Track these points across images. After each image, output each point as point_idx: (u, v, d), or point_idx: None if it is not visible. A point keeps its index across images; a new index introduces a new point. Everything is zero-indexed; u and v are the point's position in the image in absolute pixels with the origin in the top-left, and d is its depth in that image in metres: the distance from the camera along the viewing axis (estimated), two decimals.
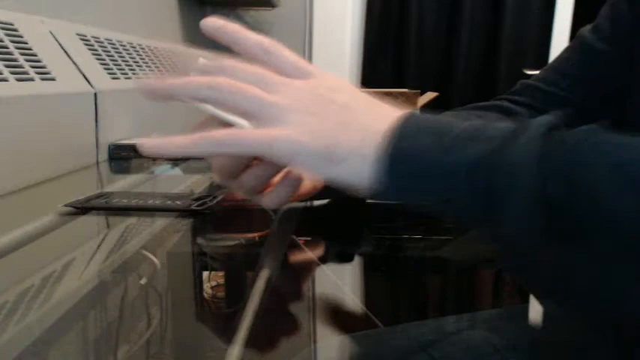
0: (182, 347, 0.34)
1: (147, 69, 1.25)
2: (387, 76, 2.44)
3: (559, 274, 0.40)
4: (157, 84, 0.40)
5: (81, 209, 0.59)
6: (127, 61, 1.15)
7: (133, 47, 1.24)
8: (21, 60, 0.77)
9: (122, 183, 0.83)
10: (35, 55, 0.81)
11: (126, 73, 1.11)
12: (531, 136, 0.31)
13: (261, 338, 0.35)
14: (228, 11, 2.41)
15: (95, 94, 0.92)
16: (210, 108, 0.40)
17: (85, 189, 0.73)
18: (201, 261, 0.51)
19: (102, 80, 0.98)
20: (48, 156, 0.78)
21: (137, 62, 1.21)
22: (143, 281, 0.44)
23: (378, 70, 2.45)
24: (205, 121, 0.41)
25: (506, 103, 0.64)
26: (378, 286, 0.47)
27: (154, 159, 0.96)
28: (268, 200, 0.43)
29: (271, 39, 0.42)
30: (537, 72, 0.66)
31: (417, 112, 0.40)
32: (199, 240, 0.56)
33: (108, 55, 1.07)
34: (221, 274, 0.48)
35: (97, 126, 0.93)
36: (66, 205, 0.59)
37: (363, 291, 0.46)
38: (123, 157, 0.96)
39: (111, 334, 0.35)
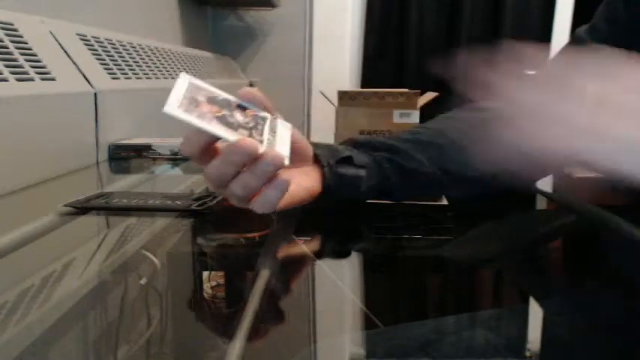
0: (182, 347, 0.34)
1: (147, 69, 1.25)
2: (387, 76, 2.44)
3: None
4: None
5: (81, 209, 0.59)
6: (127, 61, 1.15)
7: (133, 47, 1.24)
8: (21, 60, 0.77)
9: (122, 183, 0.83)
10: (35, 55, 0.81)
11: (126, 73, 1.11)
12: None
13: (261, 338, 0.35)
14: (228, 11, 2.41)
15: (95, 94, 0.92)
16: (197, 122, 0.41)
17: (85, 189, 0.73)
18: (201, 261, 0.51)
19: (102, 80, 0.98)
20: (48, 156, 0.78)
21: (137, 62, 1.21)
22: (143, 281, 0.44)
23: (378, 70, 2.45)
24: (192, 136, 0.42)
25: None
26: (378, 286, 0.47)
27: (154, 159, 0.96)
28: (257, 205, 0.43)
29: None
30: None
31: None
32: (199, 240, 0.56)
33: (108, 55, 1.07)
34: (221, 274, 0.48)
35: (97, 126, 0.93)
36: (66, 205, 0.59)
37: (363, 291, 0.46)
38: (123, 157, 0.96)
39: (111, 334, 0.35)
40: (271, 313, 0.38)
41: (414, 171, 0.58)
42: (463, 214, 0.68)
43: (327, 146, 0.57)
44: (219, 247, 0.55)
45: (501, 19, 2.37)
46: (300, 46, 2.44)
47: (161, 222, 0.58)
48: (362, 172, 0.56)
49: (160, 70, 1.33)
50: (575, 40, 0.64)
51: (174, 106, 0.41)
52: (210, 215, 0.59)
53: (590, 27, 0.63)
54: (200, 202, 0.60)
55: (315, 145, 0.56)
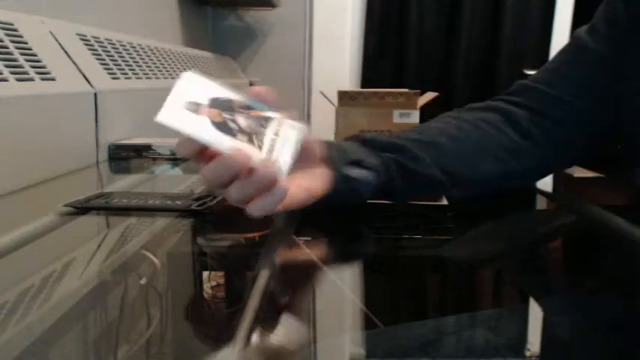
0: (182, 347, 0.34)
1: (147, 69, 1.25)
2: (387, 76, 2.44)
3: None
4: None
5: (81, 209, 0.59)
6: (127, 61, 1.15)
7: (133, 47, 1.24)
8: (21, 60, 0.77)
9: (122, 183, 0.83)
10: (35, 55, 0.81)
11: (126, 73, 1.11)
12: None
13: (261, 338, 0.35)
14: (228, 11, 2.41)
15: (95, 94, 0.92)
16: (189, 131, 0.41)
17: (85, 189, 0.73)
18: (201, 261, 0.51)
19: (102, 80, 0.98)
20: (48, 156, 0.78)
21: (137, 62, 1.21)
22: (143, 281, 0.44)
23: (378, 70, 2.45)
24: (185, 142, 0.42)
25: (502, 104, 0.63)
26: (378, 286, 0.47)
27: (154, 159, 0.96)
28: (253, 209, 0.43)
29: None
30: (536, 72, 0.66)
31: None
32: (199, 240, 0.56)
33: (108, 55, 1.07)
34: (221, 274, 0.48)
35: (97, 126, 0.93)
36: (66, 205, 0.59)
37: (363, 291, 0.46)
38: (123, 157, 0.96)
39: (111, 334, 0.35)
40: (271, 313, 0.38)
41: (416, 172, 0.57)
42: (463, 214, 0.68)
43: (337, 146, 0.55)
44: (219, 247, 0.55)
45: (501, 19, 2.37)
46: (300, 46, 2.44)
47: (161, 222, 0.58)
48: (371, 177, 0.55)
49: (159, 70, 1.33)
50: (575, 40, 0.63)
51: (166, 114, 0.40)
52: (210, 215, 0.59)
53: (590, 27, 0.62)
54: (200, 202, 0.60)
55: (326, 145, 0.54)
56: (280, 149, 0.43)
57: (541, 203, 0.77)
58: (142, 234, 0.55)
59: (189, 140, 0.42)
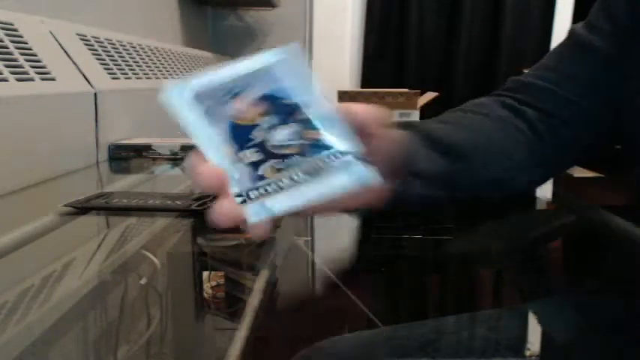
0: (182, 347, 0.34)
1: (147, 69, 1.25)
2: (387, 76, 2.44)
3: None
4: None
5: (81, 209, 0.59)
6: (127, 61, 1.15)
7: (133, 47, 1.24)
8: (21, 60, 0.77)
9: (122, 183, 0.83)
10: (35, 55, 0.81)
11: (126, 73, 1.11)
12: None
13: (261, 338, 0.35)
14: (228, 11, 2.41)
15: (95, 94, 0.92)
16: (186, 123, 0.31)
17: (85, 189, 0.73)
18: (201, 261, 0.51)
19: (102, 80, 0.98)
20: (48, 156, 0.78)
21: (137, 62, 1.21)
22: (143, 281, 0.44)
23: (378, 70, 2.45)
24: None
25: (509, 101, 0.61)
26: (378, 286, 0.47)
27: (154, 159, 0.96)
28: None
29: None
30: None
31: None
32: (199, 240, 0.56)
33: (108, 55, 1.07)
34: (221, 274, 0.48)
35: (97, 126, 0.93)
36: (66, 205, 0.59)
37: (363, 291, 0.46)
38: (123, 157, 0.96)
39: (111, 334, 0.35)
40: (271, 313, 0.38)
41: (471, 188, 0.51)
42: (463, 214, 0.68)
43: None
44: (219, 247, 0.55)
45: (501, 19, 2.37)
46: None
47: (161, 222, 0.58)
48: (431, 192, 0.47)
49: (159, 70, 1.33)
50: (573, 37, 0.63)
51: (175, 91, 0.30)
52: None
53: (588, 24, 0.62)
54: (200, 202, 0.60)
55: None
56: (291, 193, 0.31)
57: (541, 203, 0.77)
58: (142, 234, 0.55)
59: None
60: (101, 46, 1.07)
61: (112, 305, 0.40)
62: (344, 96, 1.04)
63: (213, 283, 0.45)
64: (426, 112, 1.16)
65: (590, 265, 0.53)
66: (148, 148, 0.97)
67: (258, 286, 0.41)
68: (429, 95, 1.38)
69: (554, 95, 0.60)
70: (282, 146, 0.31)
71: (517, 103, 0.61)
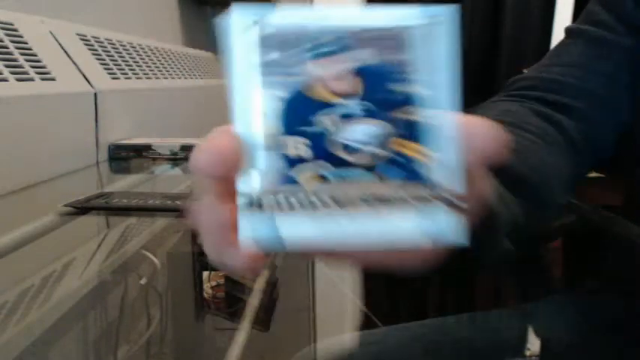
0: (182, 347, 0.34)
1: (147, 69, 1.25)
2: None
3: None
4: None
5: (81, 209, 0.59)
6: (127, 61, 1.15)
7: (133, 47, 1.24)
8: (21, 60, 0.77)
9: (122, 183, 0.83)
10: (35, 55, 0.81)
11: (126, 73, 1.11)
12: None
13: (261, 338, 0.35)
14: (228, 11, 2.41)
15: (95, 94, 0.92)
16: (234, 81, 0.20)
17: (85, 189, 0.73)
18: (201, 261, 0.51)
19: (102, 80, 0.98)
20: (48, 156, 0.78)
21: (137, 62, 1.21)
22: (143, 281, 0.44)
23: None
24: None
25: (542, 108, 0.56)
26: (378, 286, 0.47)
27: (154, 159, 0.96)
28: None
29: None
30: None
31: None
32: (199, 240, 0.56)
33: (108, 55, 1.07)
34: (221, 274, 0.48)
35: (97, 126, 0.93)
36: (66, 205, 0.59)
37: (363, 291, 0.46)
38: (123, 157, 0.96)
39: (111, 334, 0.35)
40: (271, 313, 0.38)
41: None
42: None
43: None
44: None
45: (501, 19, 2.38)
46: None
47: (161, 222, 0.58)
48: (506, 246, 0.37)
49: (159, 70, 1.33)
50: (573, 34, 0.62)
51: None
52: None
53: (592, 20, 0.61)
54: None
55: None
56: (323, 218, 0.19)
57: None
58: (141, 234, 0.55)
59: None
60: (101, 46, 1.07)
61: (112, 305, 0.40)
62: None
63: (213, 283, 0.45)
64: None
65: (590, 265, 0.53)
66: (148, 148, 0.97)
67: (258, 286, 0.41)
68: None
69: (588, 94, 0.55)
70: (349, 147, 0.20)
71: (550, 109, 0.54)
